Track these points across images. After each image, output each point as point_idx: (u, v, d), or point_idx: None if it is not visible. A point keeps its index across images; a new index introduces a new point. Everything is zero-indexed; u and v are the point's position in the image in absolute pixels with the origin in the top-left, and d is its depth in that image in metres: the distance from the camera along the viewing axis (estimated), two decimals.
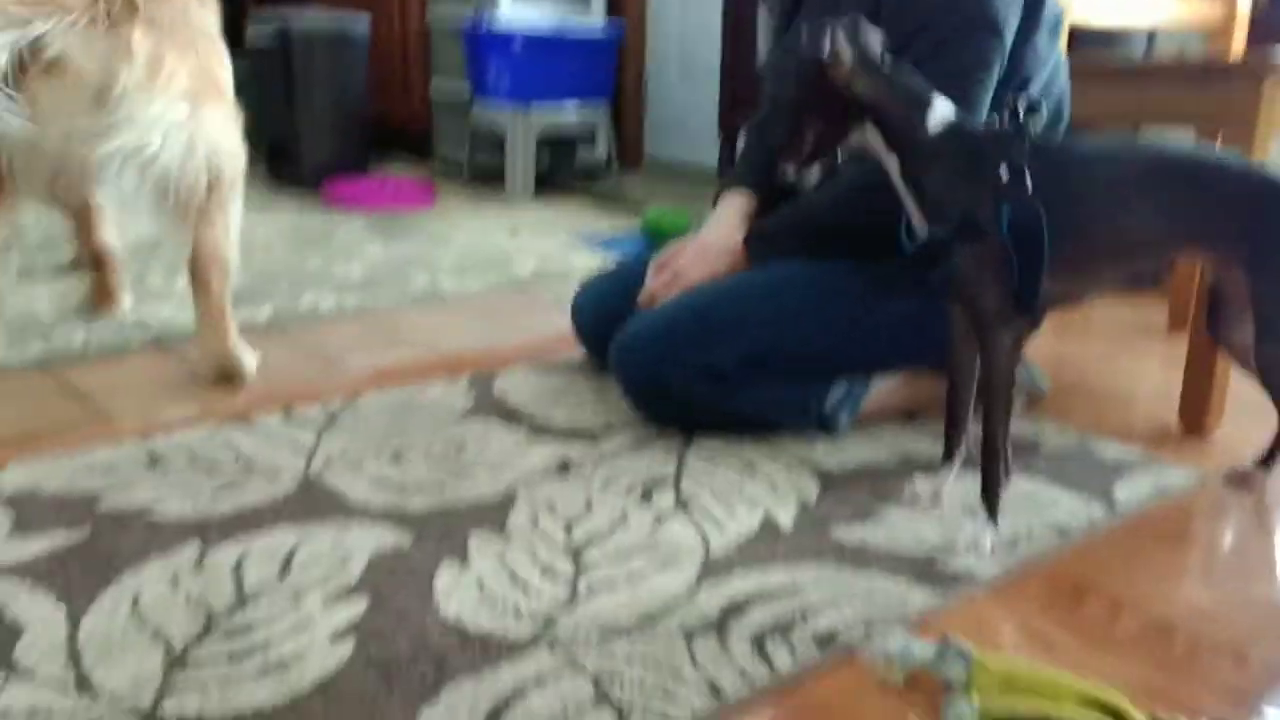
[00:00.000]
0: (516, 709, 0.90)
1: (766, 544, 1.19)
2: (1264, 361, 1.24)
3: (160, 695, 0.90)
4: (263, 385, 1.65)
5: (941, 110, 1.19)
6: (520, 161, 3.25)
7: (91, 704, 0.89)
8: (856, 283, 1.49)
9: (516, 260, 2.48)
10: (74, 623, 1.00)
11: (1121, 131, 1.49)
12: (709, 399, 1.45)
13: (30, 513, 1.21)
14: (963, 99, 1.29)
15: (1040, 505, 1.31)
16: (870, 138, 1.21)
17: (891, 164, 1.22)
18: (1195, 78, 1.56)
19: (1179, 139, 1.70)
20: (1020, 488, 1.35)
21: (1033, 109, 1.16)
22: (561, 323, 1.78)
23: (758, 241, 1.55)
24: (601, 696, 0.91)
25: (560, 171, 3.55)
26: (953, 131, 1.18)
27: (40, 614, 1.01)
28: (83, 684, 0.91)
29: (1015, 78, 1.43)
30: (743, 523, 1.24)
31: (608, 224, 2.99)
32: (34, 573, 1.08)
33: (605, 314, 1.65)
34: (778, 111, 1.64)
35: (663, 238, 2.68)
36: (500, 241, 2.71)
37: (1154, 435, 1.57)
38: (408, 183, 3.19)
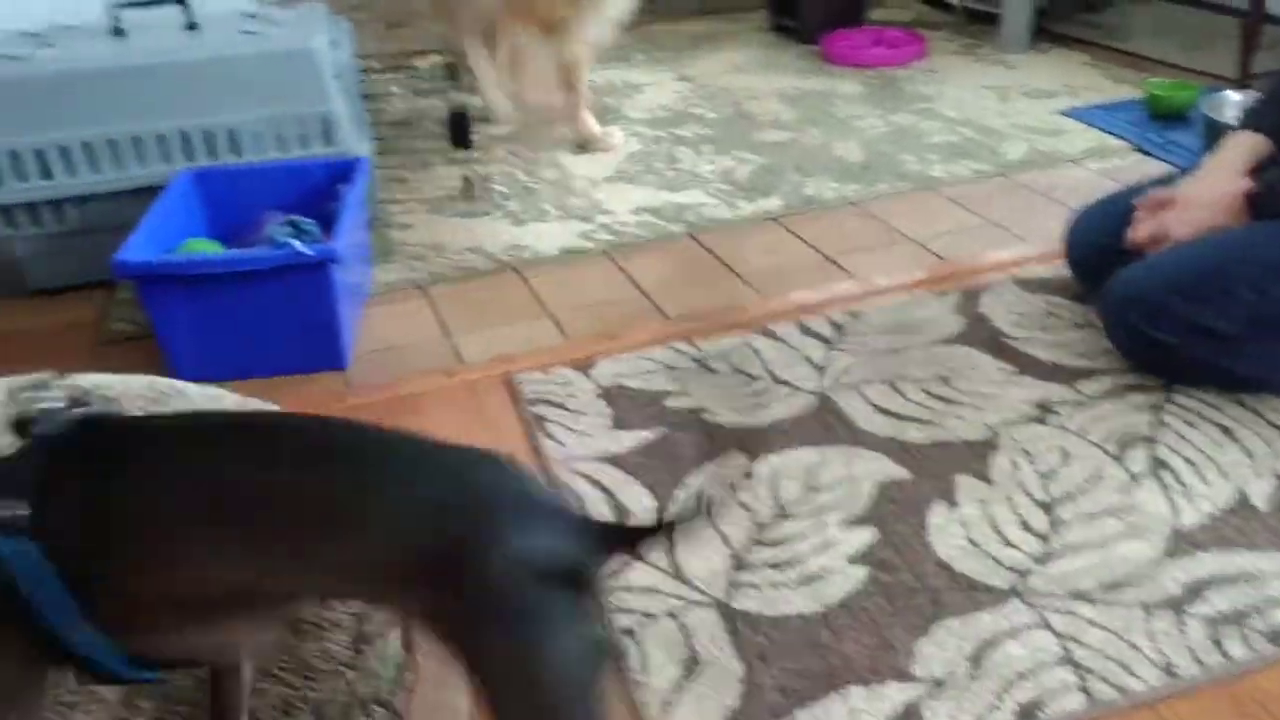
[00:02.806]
0: (994, 654, 1.14)
1: (1236, 523, 1.31)
2: None
3: (730, 590, 1.26)
4: (783, 289, 1.95)
5: None
6: (1017, 11, 3.17)
7: (685, 589, 1.26)
8: None
9: (1006, 141, 2.53)
10: (662, 513, 1.38)
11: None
12: (1205, 357, 1.52)
13: (621, 408, 1.61)
14: None
15: None
16: None
17: None
18: None
19: None
20: None
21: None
22: (1048, 225, 1.87)
23: (1271, 196, 1.54)
24: (1066, 657, 1.13)
25: (1059, 9, 3.41)
26: None
27: (641, 503, 1.41)
28: (678, 571, 1.29)
29: None
30: (1215, 495, 1.35)
31: (1107, 84, 2.89)
32: (630, 465, 1.49)
33: (1096, 246, 1.73)
34: None
35: (1165, 114, 2.58)
36: (991, 107, 2.75)
37: None
38: (901, 35, 3.25)
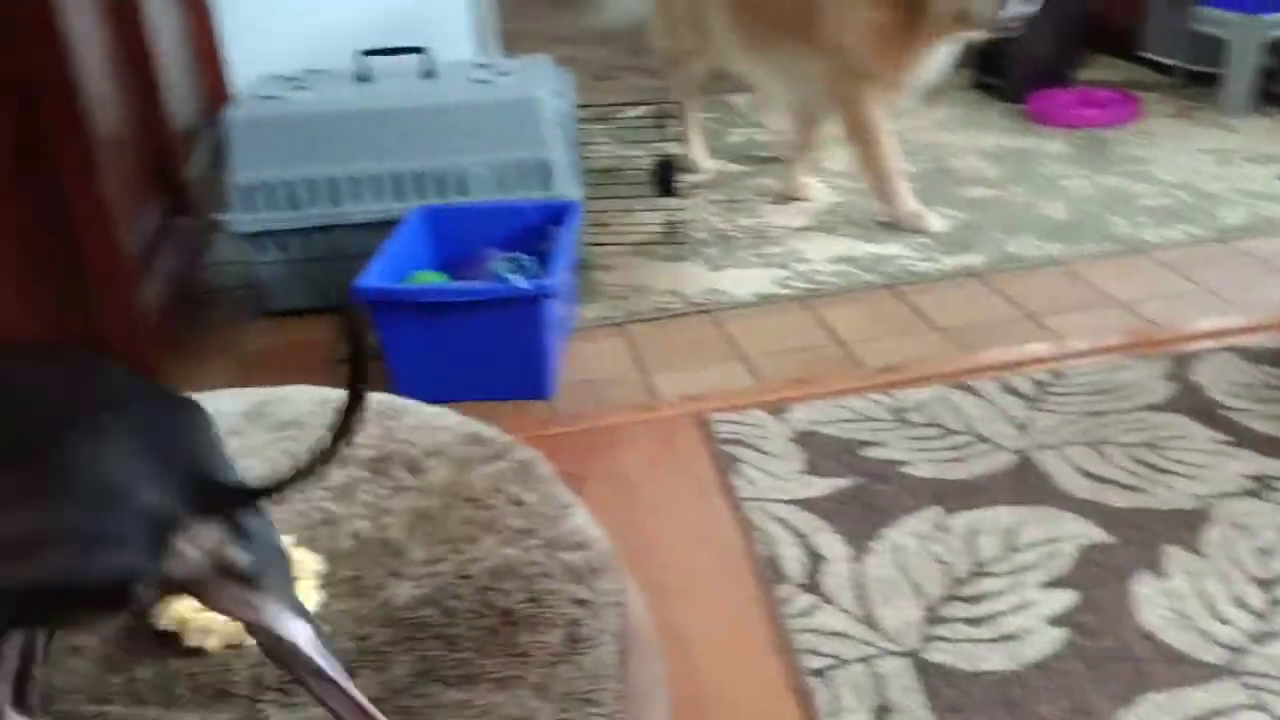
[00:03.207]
0: None
1: None
2: None
3: (922, 642, 1.26)
4: (983, 344, 1.93)
5: None
6: (1241, 73, 3.05)
7: (875, 636, 1.27)
8: None
9: (1224, 204, 2.44)
10: (856, 561, 1.40)
11: None
12: None
13: (814, 453, 1.63)
14: None
15: None
16: None
17: None
18: None
19: None
20: None
21: None
22: (1269, 293, 1.80)
23: None
24: None
25: None
26: None
27: (833, 549, 1.42)
28: (870, 619, 1.30)
29: None
30: None
31: None
32: (823, 510, 1.50)
33: None
34: None
35: None
36: (1207, 171, 2.65)
37: None
38: (1113, 97, 3.17)
